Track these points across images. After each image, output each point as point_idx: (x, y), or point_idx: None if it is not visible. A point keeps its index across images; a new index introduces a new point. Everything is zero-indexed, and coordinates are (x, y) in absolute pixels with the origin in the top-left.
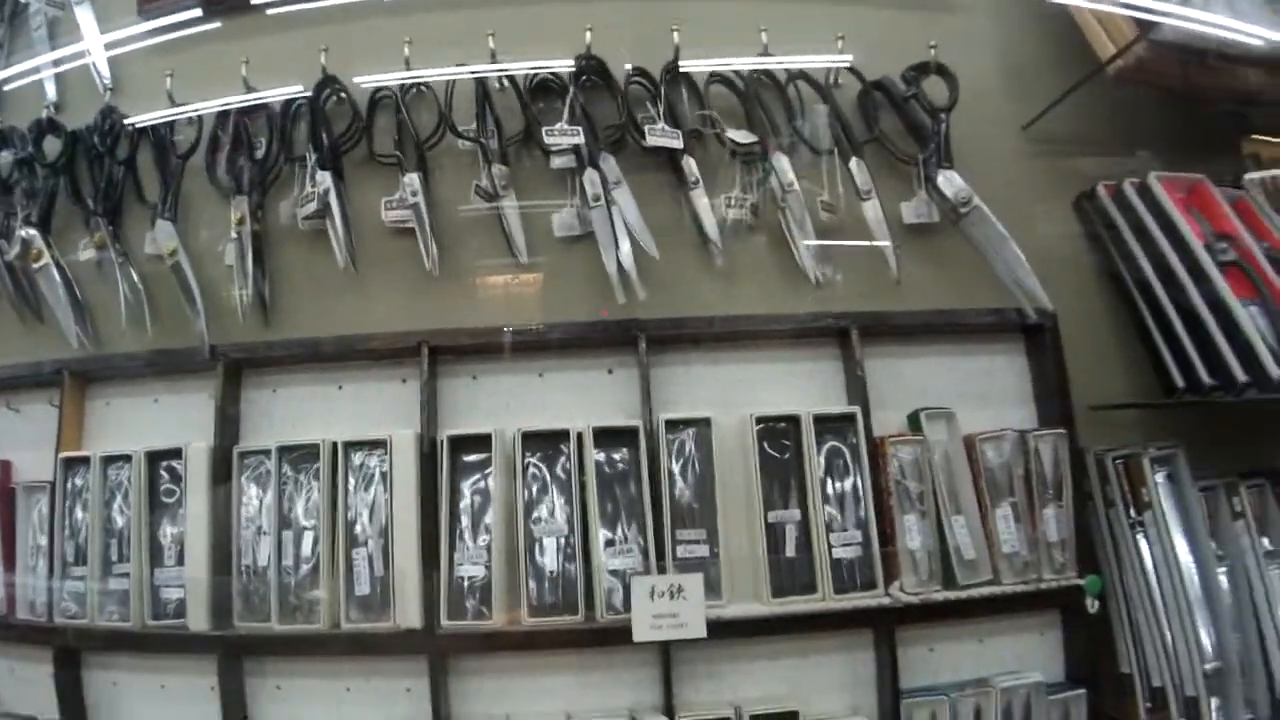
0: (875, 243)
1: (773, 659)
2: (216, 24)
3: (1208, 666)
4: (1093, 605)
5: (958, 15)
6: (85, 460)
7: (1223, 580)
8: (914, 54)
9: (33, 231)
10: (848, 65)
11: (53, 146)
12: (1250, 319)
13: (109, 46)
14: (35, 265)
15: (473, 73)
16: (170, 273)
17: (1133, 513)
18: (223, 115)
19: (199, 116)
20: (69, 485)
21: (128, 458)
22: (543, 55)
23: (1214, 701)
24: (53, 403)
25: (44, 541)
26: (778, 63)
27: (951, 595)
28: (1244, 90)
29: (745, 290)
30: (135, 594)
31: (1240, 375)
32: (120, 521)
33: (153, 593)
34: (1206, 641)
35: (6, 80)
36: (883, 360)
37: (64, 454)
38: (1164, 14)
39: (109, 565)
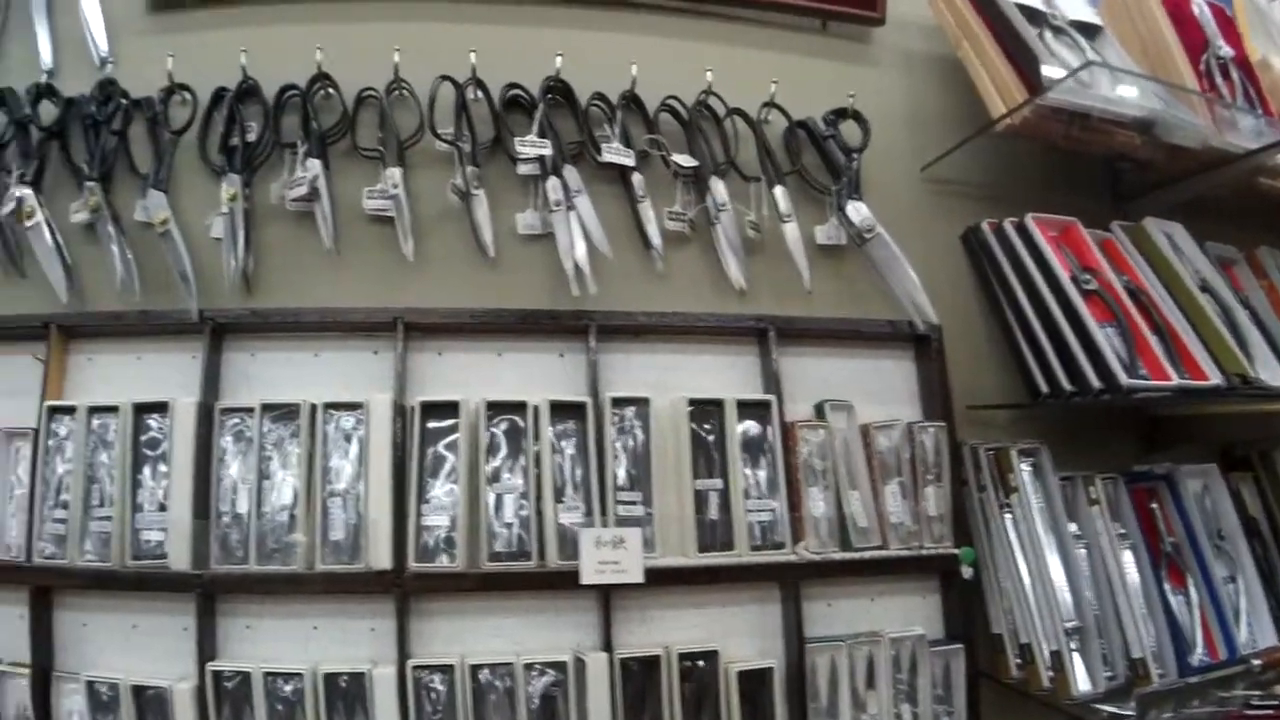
0: (793, 259)
1: (697, 608)
2: (218, 10)
3: (1068, 625)
4: (967, 572)
5: (874, 69)
6: (71, 410)
7: (1081, 555)
8: (835, 100)
9: (26, 190)
10: (776, 105)
11: (48, 112)
12: (1106, 338)
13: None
14: (26, 223)
15: (455, 83)
16: (159, 240)
17: (1001, 496)
18: (217, 97)
19: (194, 96)
20: (51, 434)
21: (114, 409)
22: (517, 75)
23: (1075, 656)
24: (38, 356)
25: (24, 486)
26: (718, 98)
27: (847, 556)
28: (1119, 148)
29: (681, 292)
30: (117, 535)
31: (1095, 383)
32: (103, 470)
33: (134, 535)
34: (1066, 604)
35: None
36: (794, 358)
37: (50, 402)
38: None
39: (90, 510)
